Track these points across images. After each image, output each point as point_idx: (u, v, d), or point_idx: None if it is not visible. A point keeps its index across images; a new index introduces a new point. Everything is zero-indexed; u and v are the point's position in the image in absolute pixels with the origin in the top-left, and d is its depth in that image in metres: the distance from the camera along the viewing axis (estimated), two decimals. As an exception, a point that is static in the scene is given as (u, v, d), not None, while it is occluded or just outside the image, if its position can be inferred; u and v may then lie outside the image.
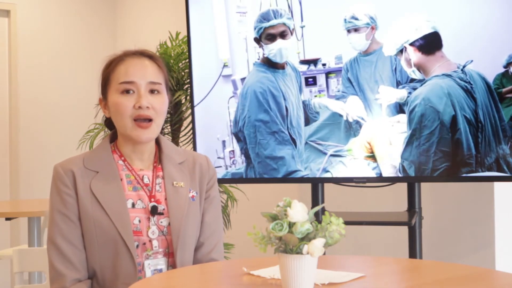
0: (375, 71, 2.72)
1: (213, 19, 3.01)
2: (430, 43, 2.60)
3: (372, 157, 2.73)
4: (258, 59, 2.93)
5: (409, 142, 2.60)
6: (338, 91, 2.79)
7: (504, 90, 2.49)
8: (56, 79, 5.37)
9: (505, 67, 2.49)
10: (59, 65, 5.39)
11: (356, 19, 2.72)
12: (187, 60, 3.35)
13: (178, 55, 3.59)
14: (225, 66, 2.98)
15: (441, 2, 2.62)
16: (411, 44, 2.61)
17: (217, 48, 2.99)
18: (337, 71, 2.79)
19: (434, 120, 2.56)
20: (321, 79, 2.82)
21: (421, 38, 2.60)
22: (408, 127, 2.62)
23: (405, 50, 2.62)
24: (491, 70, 2.52)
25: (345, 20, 2.75)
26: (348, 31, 2.75)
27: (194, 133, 3.04)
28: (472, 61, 2.53)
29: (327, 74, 2.81)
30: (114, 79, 1.72)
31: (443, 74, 2.56)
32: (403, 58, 2.62)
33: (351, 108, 2.75)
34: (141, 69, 1.72)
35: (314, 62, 2.83)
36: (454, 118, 2.53)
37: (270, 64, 2.88)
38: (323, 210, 2.52)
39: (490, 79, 2.51)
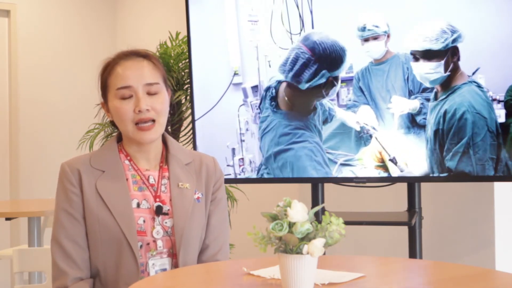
0: (387, 81, 2.70)
1: (225, 28, 2.99)
2: (454, 54, 2.58)
3: (383, 166, 2.72)
4: (272, 102, 2.88)
5: (464, 152, 2.53)
6: (350, 100, 2.78)
7: None
8: (56, 79, 5.37)
9: None
10: (59, 65, 5.40)
11: (376, 26, 2.69)
12: (187, 60, 3.35)
13: (178, 55, 3.59)
14: (235, 74, 2.98)
15: (450, 13, 2.60)
16: (444, 51, 2.57)
17: (228, 56, 2.99)
18: (348, 80, 2.78)
19: (483, 127, 2.51)
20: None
21: (450, 48, 2.57)
22: (455, 137, 2.55)
23: (452, 53, 2.57)
24: (501, 81, 2.50)
25: (363, 28, 2.71)
26: (366, 39, 2.72)
27: (194, 133, 3.04)
28: (479, 68, 2.51)
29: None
30: (112, 84, 1.72)
31: (469, 82, 2.53)
32: (444, 62, 2.57)
33: (363, 118, 2.74)
34: (136, 71, 1.71)
35: None
36: (496, 124, 2.50)
37: (293, 109, 2.85)
38: (323, 210, 2.52)
39: (501, 90, 2.49)
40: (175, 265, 1.70)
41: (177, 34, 3.72)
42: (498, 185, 2.92)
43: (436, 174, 2.61)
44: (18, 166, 5.19)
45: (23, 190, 5.18)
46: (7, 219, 3.68)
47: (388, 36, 2.69)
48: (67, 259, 1.67)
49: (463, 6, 2.59)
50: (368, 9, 2.73)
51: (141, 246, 1.67)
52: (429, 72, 2.60)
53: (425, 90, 2.63)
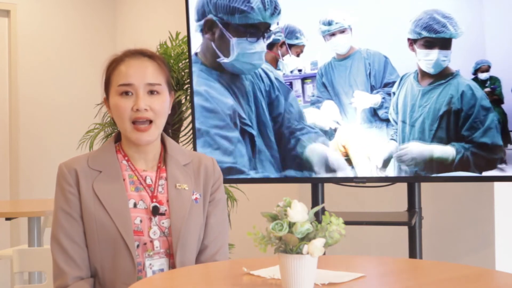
0: (349, 76, 2.73)
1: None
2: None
3: (347, 160, 2.75)
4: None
5: (496, 127, 2.56)
6: (313, 95, 2.79)
7: None
8: (56, 79, 5.37)
9: (473, 73, 2.54)
10: (59, 65, 5.40)
11: (338, 22, 2.72)
12: (187, 60, 3.35)
13: (178, 55, 3.59)
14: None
15: (411, 12, 2.63)
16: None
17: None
18: (313, 77, 2.79)
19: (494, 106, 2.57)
20: (297, 85, 2.82)
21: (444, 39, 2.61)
22: (479, 114, 2.56)
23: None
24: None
25: (329, 22, 2.74)
26: (330, 35, 2.74)
27: (194, 133, 3.04)
28: (459, 70, 2.59)
29: (303, 79, 2.81)
30: (114, 81, 1.72)
31: (457, 72, 2.60)
32: (443, 52, 2.61)
33: (326, 113, 2.76)
34: (140, 70, 1.71)
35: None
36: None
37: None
38: (323, 210, 2.52)
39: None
40: (172, 265, 1.70)
41: (177, 34, 3.72)
42: (498, 185, 2.92)
43: (454, 154, 2.61)
44: (18, 166, 5.19)
45: (23, 190, 5.18)
46: (7, 219, 3.68)
47: (351, 30, 2.72)
48: (66, 258, 1.67)
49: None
50: (336, 4, 2.75)
51: (138, 246, 1.67)
52: (443, 59, 2.61)
53: (386, 84, 2.67)
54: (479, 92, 2.56)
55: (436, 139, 2.62)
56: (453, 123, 2.60)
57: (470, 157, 2.59)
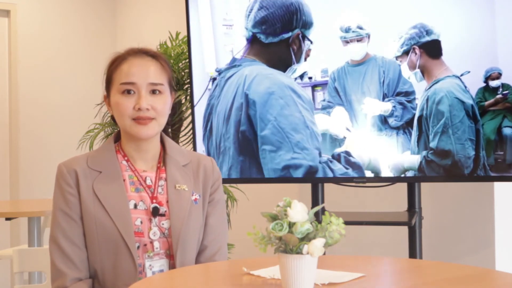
0: (363, 83, 2.71)
1: (200, 32, 2.98)
2: (433, 49, 2.60)
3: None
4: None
5: (443, 131, 2.57)
6: (324, 100, 2.78)
7: (486, 103, 2.53)
8: (56, 79, 5.37)
9: (484, 81, 2.53)
10: (59, 65, 5.40)
11: (360, 28, 2.70)
12: (187, 60, 3.35)
13: (178, 55, 3.59)
14: (212, 79, 2.96)
15: (419, 17, 2.63)
16: (419, 47, 2.60)
17: (204, 61, 2.97)
18: (323, 84, 2.78)
19: (461, 109, 2.54)
20: (307, 92, 2.81)
21: (425, 44, 2.60)
22: (435, 119, 2.58)
23: (413, 51, 2.60)
24: (474, 84, 2.56)
25: (347, 29, 2.72)
26: (347, 41, 2.73)
27: (194, 133, 3.04)
28: (469, 72, 2.56)
29: (313, 87, 2.81)
30: (116, 79, 1.72)
31: (453, 75, 2.57)
32: (408, 60, 2.61)
33: (336, 120, 2.75)
34: (142, 69, 1.71)
35: (301, 75, 2.82)
36: (473, 109, 2.54)
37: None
38: (323, 210, 2.52)
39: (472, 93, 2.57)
40: (172, 266, 1.70)
41: (177, 34, 3.72)
42: (498, 185, 2.92)
43: (422, 160, 2.63)
44: (18, 166, 5.19)
45: (23, 190, 5.18)
46: (7, 219, 3.68)
47: (369, 37, 2.71)
48: (65, 259, 1.66)
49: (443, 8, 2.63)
50: (344, 13, 2.74)
51: (138, 247, 1.67)
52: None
53: (399, 94, 2.66)
54: (438, 96, 2.55)
55: (419, 144, 2.63)
56: (425, 129, 2.61)
57: (424, 165, 2.60)
